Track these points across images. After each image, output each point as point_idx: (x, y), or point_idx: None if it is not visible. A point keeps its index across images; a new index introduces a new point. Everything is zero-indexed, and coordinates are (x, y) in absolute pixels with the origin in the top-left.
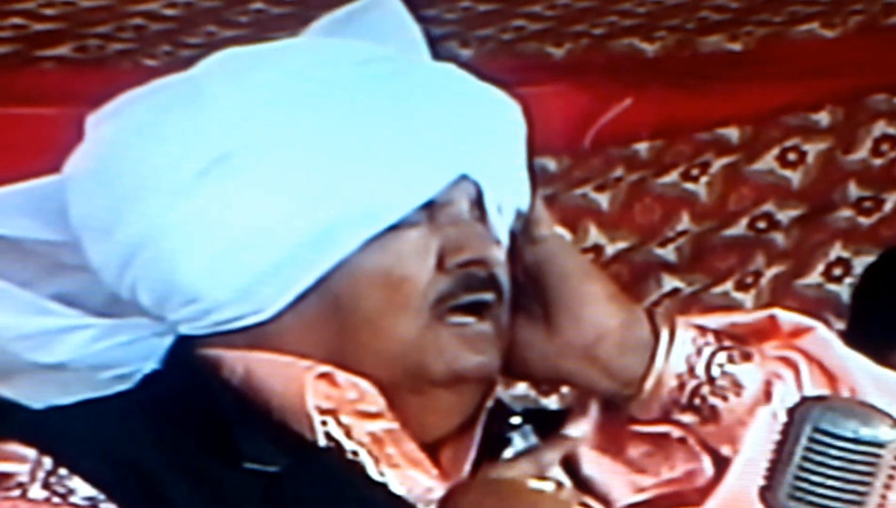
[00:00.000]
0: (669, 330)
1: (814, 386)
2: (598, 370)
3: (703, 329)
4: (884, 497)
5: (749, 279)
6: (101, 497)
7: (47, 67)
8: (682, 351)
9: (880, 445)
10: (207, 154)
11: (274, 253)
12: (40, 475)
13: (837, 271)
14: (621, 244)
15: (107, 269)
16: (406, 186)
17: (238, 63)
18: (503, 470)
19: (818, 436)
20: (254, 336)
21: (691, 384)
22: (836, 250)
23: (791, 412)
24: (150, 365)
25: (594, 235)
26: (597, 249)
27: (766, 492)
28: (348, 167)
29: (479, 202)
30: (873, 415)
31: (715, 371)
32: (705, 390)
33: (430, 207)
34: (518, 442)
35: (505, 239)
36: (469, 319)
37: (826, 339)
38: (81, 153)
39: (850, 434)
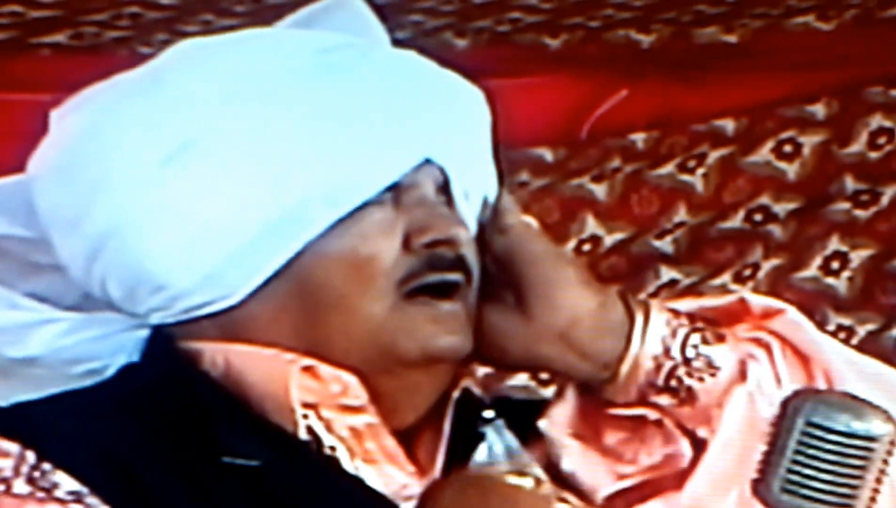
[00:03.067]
0: (644, 312)
1: (787, 367)
2: (574, 354)
3: (675, 312)
4: (876, 490)
5: (747, 272)
6: (85, 491)
7: (43, 53)
8: (657, 333)
9: (873, 439)
10: (169, 143)
11: (239, 238)
12: (24, 469)
13: (835, 265)
14: (618, 236)
15: (75, 263)
16: (369, 169)
17: (199, 52)
18: (485, 468)
19: (811, 429)
20: (224, 323)
21: (667, 365)
22: (834, 244)
23: (784, 404)
24: (122, 359)
25: (591, 226)
26: (594, 240)
27: (758, 485)
28: (310, 152)
29: (444, 187)
30: (866, 409)
31: (690, 352)
32: (681, 371)
33: (395, 189)
34: (491, 437)
35: (473, 226)
36: (437, 301)
37: (797, 321)
38: (46, 148)
39: (842, 428)
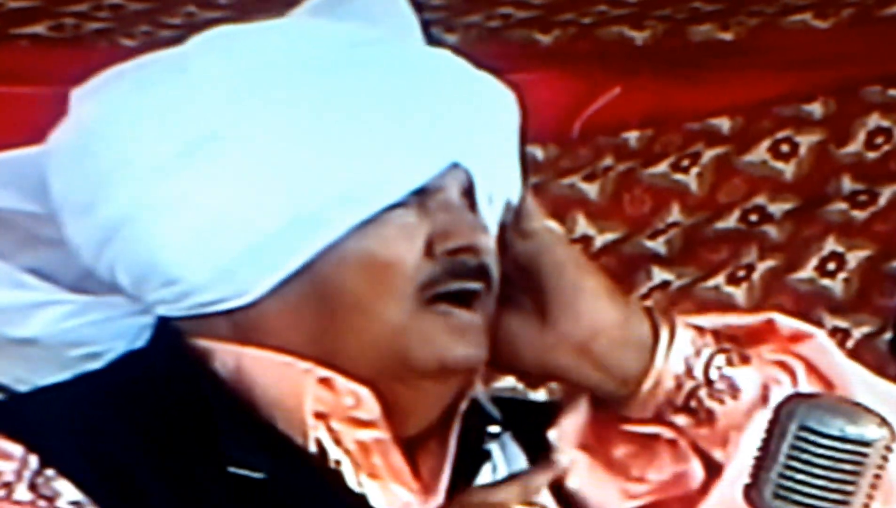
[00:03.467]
0: (669, 329)
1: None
2: (592, 366)
3: (701, 330)
4: (870, 496)
5: (741, 273)
6: (86, 501)
7: (22, 45)
8: (681, 352)
9: (867, 444)
10: (191, 133)
11: (257, 236)
12: (26, 475)
13: (831, 266)
14: (610, 236)
15: (86, 246)
16: (396, 171)
17: (227, 42)
18: (490, 495)
19: (804, 434)
20: (236, 321)
21: (688, 385)
22: (830, 245)
23: (777, 409)
24: (122, 345)
25: (582, 225)
26: (585, 240)
27: (750, 490)
28: (337, 150)
29: (469, 191)
30: (860, 413)
31: (713, 374)
32: (702, 392)
33: (420, 192)
34: (496, 455)
35: (494, 230)
36: (456, 309)
37: (825, 347)
38: (65, 128)
39: (836, 433)
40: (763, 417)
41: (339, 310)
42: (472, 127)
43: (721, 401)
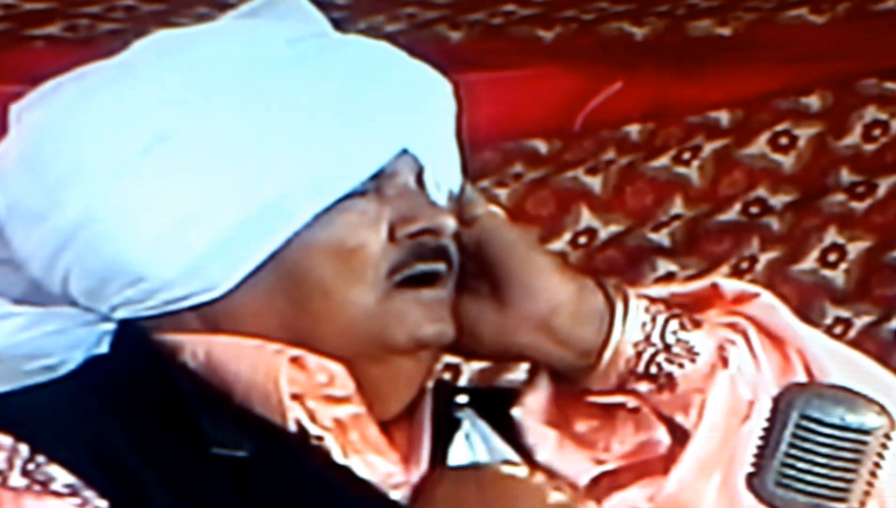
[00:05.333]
0: (623, 299)
1: (763, 351)
2: (554, 342)
3: (651, 299)
4: (870, 483)
5: (744, 264)
6: (80, 484)
7: (37, 46)
8: (637, 320)
9: (867, 432)
10: (145, 134)
11: (221, 229)
12: (18, 462)
13: (832, 257)
14: (614, 228)
15: (37, 257)
16: (352, 158)
17: (169, 44)
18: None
19: (805, 423)
20: (207, 315)
21: (648, 352)
22: (831, 236)
23: (777, 398)
24: (80, 355)
25: (587, 218)
26: (590, 232)
27: (752, 479)
28: (290, 142)
29: (419, 178)
30: (860, 402)
31: (669, 339)
32: (661, 357)
33: (377, 179)
34: (467, 424)
35: None
36: (423, 289)
37: (771, 304)
38: (8, 143)
39: (836, 421)
40: (725, 376)
41: (310, 297)
42: (416, 115)
43: (680, 365)
